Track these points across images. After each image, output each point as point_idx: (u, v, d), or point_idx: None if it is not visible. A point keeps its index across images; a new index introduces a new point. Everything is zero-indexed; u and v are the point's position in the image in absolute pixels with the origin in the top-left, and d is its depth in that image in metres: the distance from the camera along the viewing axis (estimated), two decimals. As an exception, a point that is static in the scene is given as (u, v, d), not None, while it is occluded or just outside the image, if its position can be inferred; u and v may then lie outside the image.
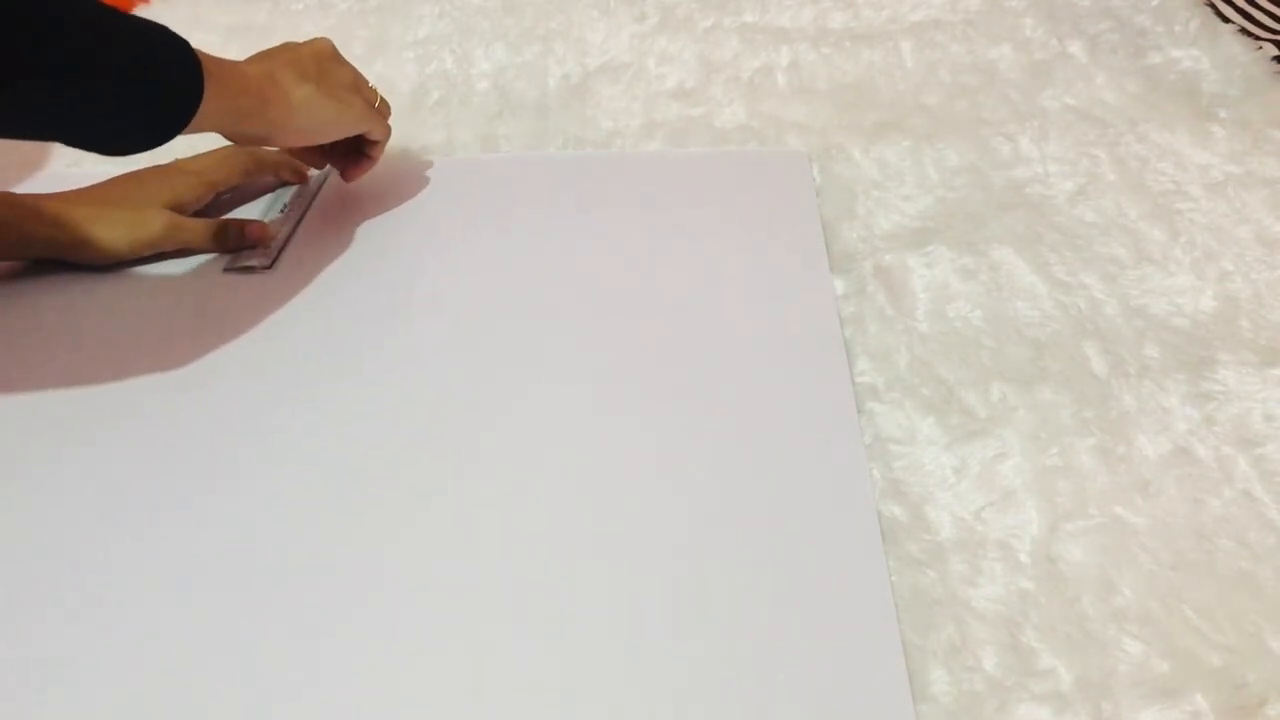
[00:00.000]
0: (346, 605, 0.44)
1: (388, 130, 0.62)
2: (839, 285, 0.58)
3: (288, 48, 0.57)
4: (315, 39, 0.59)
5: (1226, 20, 0.77)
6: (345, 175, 0.64)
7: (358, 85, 0.60)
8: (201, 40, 0.81)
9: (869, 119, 0.70)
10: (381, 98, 0.62)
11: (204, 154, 0.66)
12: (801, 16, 0.80)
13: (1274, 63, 0.72)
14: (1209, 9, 0.78)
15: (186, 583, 0.44)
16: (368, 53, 0.79)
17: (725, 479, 0.48)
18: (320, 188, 0.69)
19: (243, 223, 0.63)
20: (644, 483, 0.48)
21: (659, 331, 0.55)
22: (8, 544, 0.46)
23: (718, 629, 0.42)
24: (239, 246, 0.62)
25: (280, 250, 0.63)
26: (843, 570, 0.44)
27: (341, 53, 0.60)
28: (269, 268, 0.62)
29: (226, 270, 0.62)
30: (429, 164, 0.70)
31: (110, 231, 0.60)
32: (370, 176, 0.64)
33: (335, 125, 0.58)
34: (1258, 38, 0.75)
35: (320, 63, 0.57)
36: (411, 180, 0.68)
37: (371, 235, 0.64)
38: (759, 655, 0.41)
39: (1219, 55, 0.73)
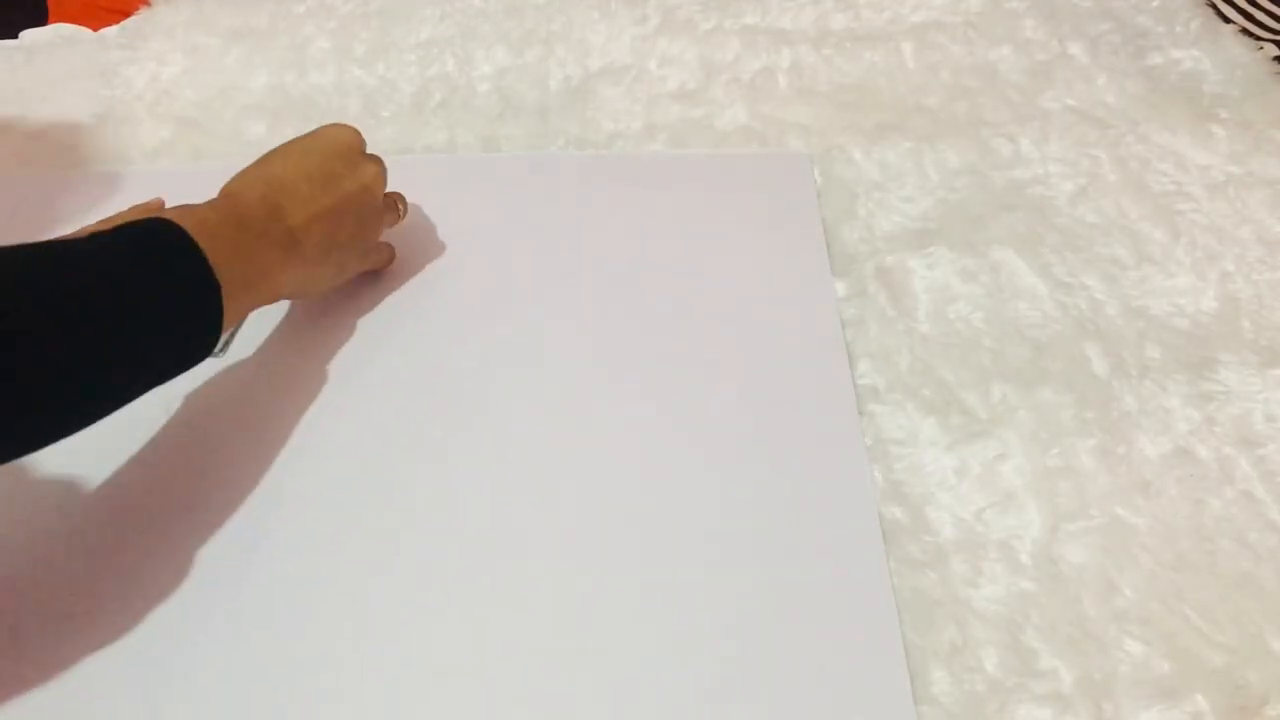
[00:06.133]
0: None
1: (390, 261, 0.60)
2: (840, 287, 0.58)
3: (337, 202, 0.51)
4: (371, 167, 0.54)
5: (1227, 21, 0.77)
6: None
7: (378, 232, 0.57)
8: (203, 43, 0.82)
9: (870, 120, 0.70)
10: (402, 202, 0.59)
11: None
12: (802, 18, 0.80)
13: (1275, 63, 0.72)
14: (1210, 9, 0.78)
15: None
16: (369, 55, 0.79)
17: (726, 480, 0.48)
18: None
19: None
20: (645, 484, 0.48)
21: (660, 333, 0.55)
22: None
23: (719, 630, 0.42)
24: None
25: (235, 331, 0.56)
26: (844, 571, 0.44)
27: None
28: (220, 354, 0.55)
29: None
30: (429, 162, 0.70)
31: None
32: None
33: (338, 284, 0.56)
34: (1259, 38, 0.75)
35: (361, 225, 0.53)
36: (411, 178, 0.68)
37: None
38: (760, 656, 0.41)
39: (1220, 56, 0.73)
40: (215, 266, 0.43)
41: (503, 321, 0.57)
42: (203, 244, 0.43)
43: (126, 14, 0.88)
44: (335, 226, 0.51)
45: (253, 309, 0.48)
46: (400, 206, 0.59)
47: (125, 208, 0.57)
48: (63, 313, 0.38)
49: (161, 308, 0.41)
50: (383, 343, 0.56)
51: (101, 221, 0.50)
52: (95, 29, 0.88)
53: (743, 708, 0.40)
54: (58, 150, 0.74)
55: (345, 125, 0.55)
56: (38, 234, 0.60)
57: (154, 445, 0.51)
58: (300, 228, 0.49)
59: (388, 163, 0.56)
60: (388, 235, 0.60)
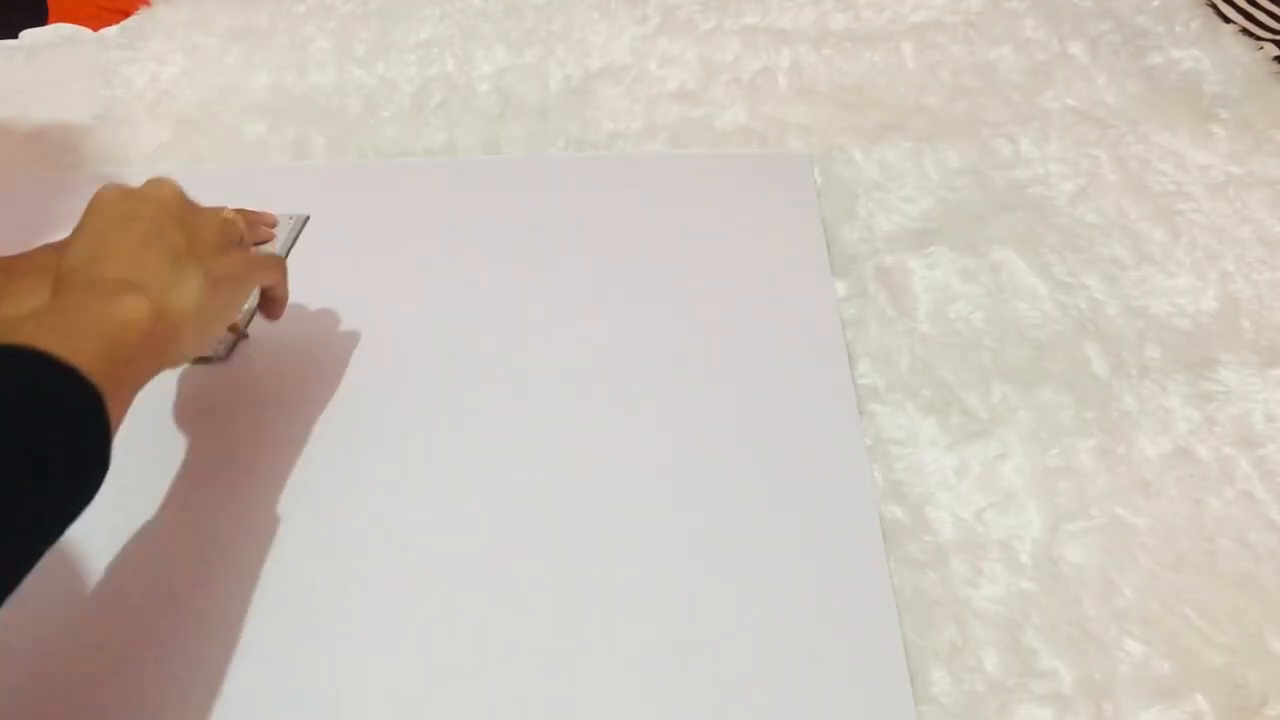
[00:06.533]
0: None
1: (281, 269, 0.51)
2: (840, 287, 0.58)
3: (145, 228, 0.42)
4: (155, 186, 0.45)
5: (1227, 21, 0.77)
6: (268, 315, 0.51)
7: (225, 232, 0.46)
8: (203, 43, 0.82)
9: (870, 120, 0.70)
10: (241, 218, 0.49)
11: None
12: (802, 18, 0.80)
13: (1275, 63, 0.72)
14: (1210, 9, 0.78)
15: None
16: (369, 55, 0.79)
17: (727, 480, 0.48)
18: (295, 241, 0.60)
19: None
20: (645, 485, 0.48)
21: (660, 333, 0.55)
22: None
23: (720, 630, 0.42)
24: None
25: (240, 336, 0.56)
26: (844, 571, 0.44)
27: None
28: (224, 359, 0.55)
29: None
30: (429, 164, 0.70)
31: None
32: (365, 178, 0.58)
33: (233, 308, 0.46)
34: (1258, 38, 0.75)
35: (186, 230, 0.44)
36: (411, 180, 0.68)
37: (370, 237, 0.64)
38: (761, 656, 0.41)
39: (1220, 56, 0.73)
40: (80, 367, 0.35)
41: (504, 322, 0.57)
42: (54, 350, 0.35)
43: (126, 14, 0.88)
44: (160, 244, 0.43)
45: (141, 385, 0.39)
46: (240, 219, 0.49)
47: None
48: None
49: (49, 446, 0.34)
50: (383, 344, 0.56)
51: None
52: (95, 29, 0.88)
53: (743, 708, 0.40)
54: (58, 150, 0.74)
55: (105, 185, 0.45)
56: (38, 234, 0.60)
57: (155, 446, 0.51)
58: (125, 274, 0.41)
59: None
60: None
